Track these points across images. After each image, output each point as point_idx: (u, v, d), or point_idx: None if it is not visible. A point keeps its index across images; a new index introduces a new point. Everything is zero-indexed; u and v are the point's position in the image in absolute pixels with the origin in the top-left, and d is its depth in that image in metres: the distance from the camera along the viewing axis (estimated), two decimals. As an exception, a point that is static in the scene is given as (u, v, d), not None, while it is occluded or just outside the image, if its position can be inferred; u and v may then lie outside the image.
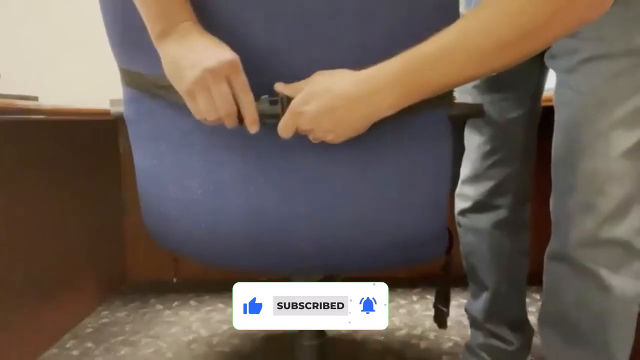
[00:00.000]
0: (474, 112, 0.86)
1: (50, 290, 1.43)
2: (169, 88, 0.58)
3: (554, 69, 0.85)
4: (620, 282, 0.77)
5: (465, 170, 1.06)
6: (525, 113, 0.98)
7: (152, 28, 0.57)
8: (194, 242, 0.68)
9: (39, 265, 1.38)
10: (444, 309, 0.83)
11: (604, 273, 0.77)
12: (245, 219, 0.63)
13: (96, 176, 1.73)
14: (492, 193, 1.04)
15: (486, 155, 1.02)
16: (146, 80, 0.62)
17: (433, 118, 0.63)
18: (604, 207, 0.75)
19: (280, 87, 0.58)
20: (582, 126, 0.77)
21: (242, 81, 0.55)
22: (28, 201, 1.34)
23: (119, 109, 0.83)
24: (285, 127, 0.58)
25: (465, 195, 1.07)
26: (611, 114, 0.74)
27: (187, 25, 0.56)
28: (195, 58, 0.54)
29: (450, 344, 1.41)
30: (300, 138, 0.59)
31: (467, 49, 0.53)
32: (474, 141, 1.03)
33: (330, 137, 0.58)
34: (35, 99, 1.26)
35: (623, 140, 0.73)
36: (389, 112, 0.56)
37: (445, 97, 0.62)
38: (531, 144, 1.03)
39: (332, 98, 0.55)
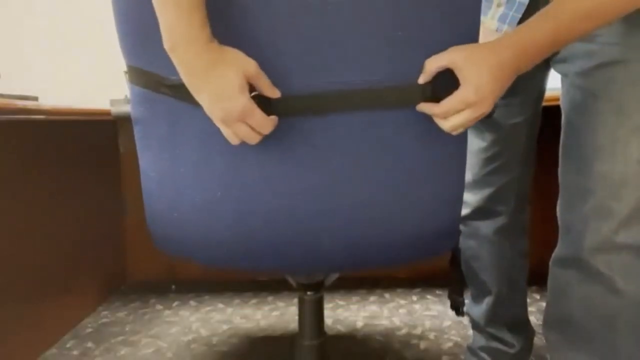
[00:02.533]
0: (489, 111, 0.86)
1: (50, 290, 1.43)
2: (185, 87, 0.57)
3: (563, 73, 0.84)
4: (633, 287, 0.76)
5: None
6: (528, 118, 0.98)
7: (189, 34, 0.55)
8: (211, 246, 0.66)
9: (39, 265, 1.38)
10: (460, 298, 0.83)
11: (618, 278, 0.76)
12: (269, 218, 0.62)
13: (96, 176, 1.73)
14: (493, 199, 1.03)
15: (487, 161, 1.01)
16: (164, 82, 0.60)
17: None
18: (620, 212, 0.75)
19: (430, 63, 0.60)
20: (599, 131, 0.76)
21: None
22: (28, 201, 1.34)
23: (121, 109, 0.82)
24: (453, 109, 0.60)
25: (464, 201, 1.07)
26: (630, 120, 0.73)
27: (214, 45, 0.56)
28: (224, 97, 0.56)
29: (450, 344, 1.41)
30: (325, 136, 0.59)
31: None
32: (472, 146, 1.02)
33: (486, 107, 0.61)
34: (35, 99, 1.26)
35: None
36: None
37: None
38: (532, 148, 1.03)
39: (500, 65, 0.60)
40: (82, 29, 1.91)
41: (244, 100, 0.55)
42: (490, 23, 0.86)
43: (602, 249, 0.77)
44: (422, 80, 0.61)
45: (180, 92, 0.58)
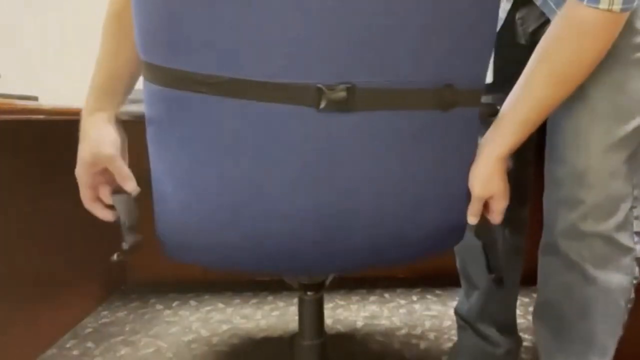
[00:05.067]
0: (491, 111, 0.87)
1: (50, 290, 1.43)
2: (216, 85, 0.57)
3: None
4: (605, 276, 0.79)
5: None
6: None
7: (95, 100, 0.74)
8: (228, 252, 0.65)
9: (39, 265, 1.38)
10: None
11: (589, 266, 0.79)
12: (289, 222, 0.61)
13: (96, 176, 1.73)
14: None
15: None
16: (191, 78, 0.58)
17: (467, 115, 0.65)
18: (589, 201, 0.77)
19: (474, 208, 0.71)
20: (566, 121, 0.79)
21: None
22: (28, 201, 1.34)
23: (123, 109, 0.81)
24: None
25: None
26: (593, 110, 0.76)
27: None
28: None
29: (450, 344, 1.41)
30: (349, 135, 0.59)
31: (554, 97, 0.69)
32: None
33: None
34: (35, 99, 1.26)
35: (605, 136, 0.76)
36: None
37: (478, 96, 0.65)
38: (527, 143, 1.03)
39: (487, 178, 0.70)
40: (82, 29, 1.91)
41: (77, 172, 0.71)
42: None
43: (571, 236, 0.80)
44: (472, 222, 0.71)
45: (221, 89, 0.57)
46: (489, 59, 0.67)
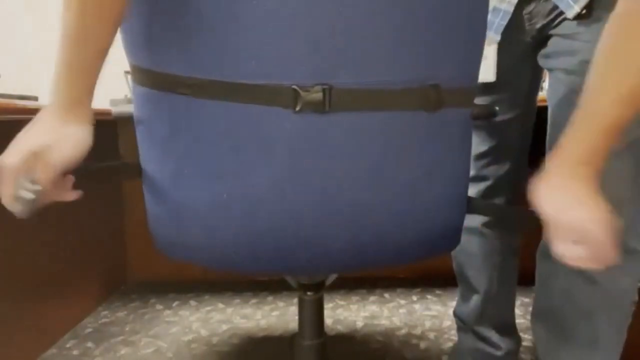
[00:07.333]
0: (488, 113, 0.87)
1: (50, 290, 1.43)
2: (197, 87, 0.57)
3: (549, 68, 0.86)
4: (608, 278, 0.79)
5: None
6: (519, 114, 0.98)
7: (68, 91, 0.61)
8: (216, 250, 0.65)
9: (39, 265, 1.38)
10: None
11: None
12: (275, 221, 0.61)
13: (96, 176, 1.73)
14: (486, 193, 1.03)
15: (480, 156, 1.02)
16: (174, 81, 0.59)
17: (457, 116, 0.64)
18: None
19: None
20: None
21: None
22: (28, 201, 1.34)
23: (121, 108, 0.82)
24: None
25: None
26: None
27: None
28: None
29: (450, 344, 1.41)
30: (333, 136, 0.59)
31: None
32: None
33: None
34: (35, 99, 1.26)
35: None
36: None
37: (469, 97, 0.64)
38: (526, 144, 1.03)
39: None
40: (82, 29, 1.91)
41: (5, 160, 0.56)
42: None
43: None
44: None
45: (199, 91, 0.58)
46: (480, 56, 0.67)
